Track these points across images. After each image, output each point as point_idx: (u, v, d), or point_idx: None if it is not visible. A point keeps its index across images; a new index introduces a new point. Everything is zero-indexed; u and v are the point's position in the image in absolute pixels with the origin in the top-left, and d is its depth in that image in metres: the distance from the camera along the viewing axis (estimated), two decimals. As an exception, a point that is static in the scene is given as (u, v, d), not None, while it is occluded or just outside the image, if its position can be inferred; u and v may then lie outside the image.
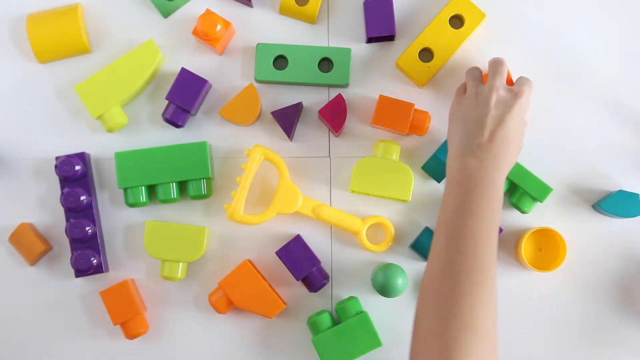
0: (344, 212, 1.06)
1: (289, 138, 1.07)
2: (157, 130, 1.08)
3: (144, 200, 1.06)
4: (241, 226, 1.06)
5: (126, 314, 1.04)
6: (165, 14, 1.09)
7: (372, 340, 1.03)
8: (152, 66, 1.06)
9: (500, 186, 0.91)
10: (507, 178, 1.03)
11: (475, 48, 1.08)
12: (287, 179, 1.05)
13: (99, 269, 1.05)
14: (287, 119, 1.06)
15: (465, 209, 0.88)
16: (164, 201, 1.06)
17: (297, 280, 1.04)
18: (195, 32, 1.05)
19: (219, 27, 1.03)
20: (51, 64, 1.09)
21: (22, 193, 1.08)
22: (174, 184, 1.05)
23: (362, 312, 1.04)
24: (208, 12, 1.04)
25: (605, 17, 1.09)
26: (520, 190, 1.05)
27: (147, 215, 1.08)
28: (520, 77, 0.99)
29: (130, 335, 1.04)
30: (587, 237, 1.07)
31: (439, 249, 0.88)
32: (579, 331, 1.07)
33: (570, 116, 1.08)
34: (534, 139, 1.06)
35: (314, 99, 1.08)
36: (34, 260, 1.06)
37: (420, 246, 1.05)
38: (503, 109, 0.93)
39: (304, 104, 1.08)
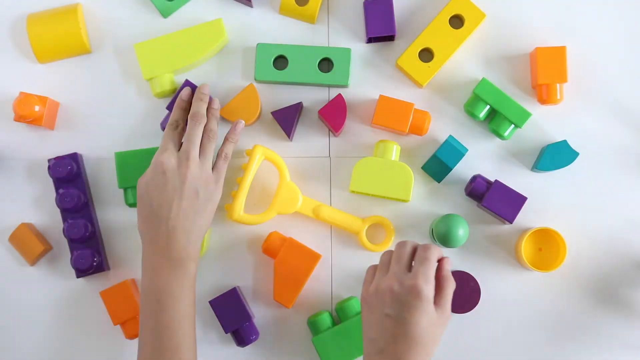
0: (344, 212, 1.06)
1: (289, 138, 1.07)
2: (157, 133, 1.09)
3: None
4: (241, 226, 1.06)
5: (126, 314, 1.04)
6: (165, 13, 1.09)
7: None
8: (215, 44, 1.06)
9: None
10: (487, 103, 1.04)
11: (475, 48, 1.08)
12: (287, 179, 1.05)
13: (99, 268, 1.05)
14: (287, 119, 1.06)
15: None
16: None
17: (226, 333, 1.04)
18: (17, 119, 1.04)
19: (37, 107, 1.03)
20: (51, 64, 1.09)
21: (22, 193, 1.08)
22: None
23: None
24: (22, 95, 1.04)
25: (607, 17, 1.09)
26: (500, 115, 1.05)
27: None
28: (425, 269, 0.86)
29: (130, 335, 1.04)
30: (587, 237, 1.07)
31: None
32: (579, 331, 1.07)
33: (570, 115, 1.08)
34: (535, 137, 1.06)
35: (314, 99, 1.08)
36: (34, 260, 1.06)
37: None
38: (400, 309, 0.83)
39: (304, 104, 1.08)
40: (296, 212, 1.05)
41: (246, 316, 1.03)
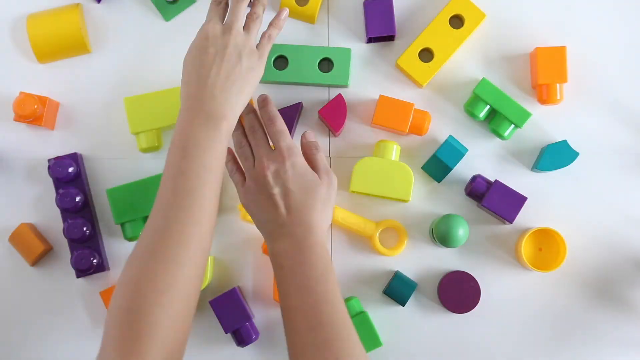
0: (357, 215, 1.06)
1: (289, 138, 1.07)
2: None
3: None
4: (241, 226, 1.07)
5: (126, 314, 1.04)
6: (167, 17, 1.10)
7: (372, 340, 1.02)
8: None
9: (321, 247, 0.91)
10: (487, 103, 1.04)
11: (475, 48, 1.09)
12: None
13: (99, 268, 1.05)
14: (287, 119, 1.06)
15: (300, 286, 0.89)
16: None
17: (226, 333, 1.04)
18: (17, 119, 1.05)
19: (36, 107, 1.04)
20: (51, 64, 1.09)
21: (22, 193, 1.08)
22: None
23: (362, 312, 1.03)
24: (22, 95, 1.04)
25: (607, 17, 1.09)
26: (500, 115, 1.04)
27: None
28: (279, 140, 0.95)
29: (130, 335, 1.04)
30: (587, 237, 1.07)
31: (293, 332, 0.88)
32: (579, 331, 1.07)
33: (570, 116, 1.08)
34: (534, 136, 1.06)
35: (314, 99, 1.08)
36: (34, 260, 1.06)
37: (393, 292, 1.05)
38: (282, 181, 0.92)
39: (304, 104, 1.08)
40: None
41: (246, 316, 1.03)
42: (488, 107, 1.05)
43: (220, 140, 0.91)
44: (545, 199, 1.07)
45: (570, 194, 1.07)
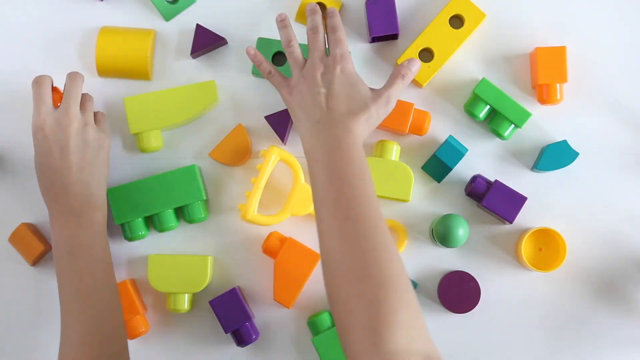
0: None
1: (283, 142, 1.07)
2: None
3: (143, 233, 1.05)
4: (241, 226, 1.07)
5: (126, 314, 1.04)
6: (167, 17, 1.10)
7: None
8: (205, 106, 1.06)
9: (359, 149, 0.92)
10: (487, 103, 1.04)
11: (475, 48, 1.09)
12: (301, 180, 1.05)
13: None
14: (281, 123, 1.05)
15: (336, 178, 0.90)
16: (163, 230, 1.05)
17: (226, 333, 1.04)
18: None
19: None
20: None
21: (22, 193, 1.08)
22: (170, 211, 1.05)
23: None
24: (53, 90, 1.00)
25: (607, 17, 1.09)
26: (500, 115, 1.05)
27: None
28: (333, 41, 0.99)
29: (130, 335, 1.04)
30: (587, 237, 1.07)
31: (327, 224, 0.88)
32: (580, 331, 1.07)
33: (570, 116, 1.08)
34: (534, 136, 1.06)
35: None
36: (34, 260, 1.06)
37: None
38: (329, 83, 0.95)
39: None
40: (309, 215, 1.04)
41: (246, 316, 1.03)
42: (488, 107, 1.05)
43: (98, 231, 0.97)
44: (546, 199, 1.07)
45: (570, 194, 1.07)
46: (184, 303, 1.05)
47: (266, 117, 1.06)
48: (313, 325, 1.04)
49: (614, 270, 1.07)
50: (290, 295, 1.04)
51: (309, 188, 1.04)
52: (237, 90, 1.09)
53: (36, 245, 1.05)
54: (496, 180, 1.04)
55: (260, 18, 1.09)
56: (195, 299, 1.07)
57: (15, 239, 1.06)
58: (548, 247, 1.05)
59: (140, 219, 1.05)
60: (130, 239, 1.05)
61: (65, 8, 1.09)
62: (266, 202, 1.06)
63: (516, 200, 1.04)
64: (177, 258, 1.05)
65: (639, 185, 1.07)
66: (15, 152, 1.08)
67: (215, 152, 1.07)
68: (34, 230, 1.06)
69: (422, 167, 1.07)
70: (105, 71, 1.07)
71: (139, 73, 1.07)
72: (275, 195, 1.07)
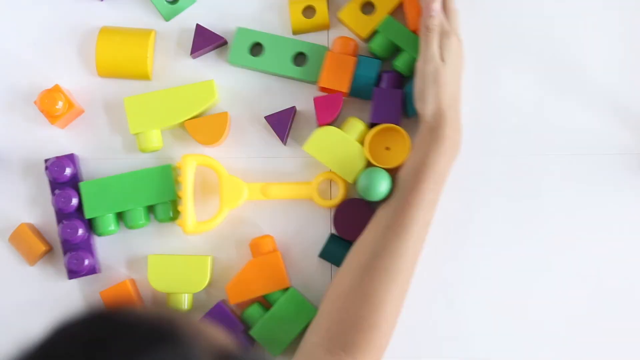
0: (291, 183, 1.06)
1: (283, 142, 1.07)
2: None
3: (113, 228, 1.05)
4: (237, 226, 1.07)
5: (126, 314, 1.04)
6: (167, 17, 1.10)
7: (307, 311, 1.02)
8: (205, 105, 1.06)
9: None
10: (391, 41, 1.05)
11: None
12: (225, 174, 1.04)
13: (92, 270, 1.05)
14: (281, 123, 1.05)
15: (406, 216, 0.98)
16: (132, 227, 1.05)
17: None
18: (38, 105, 1.04)
19: (59, 104, 1.03)
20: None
21: (22, 193, 1.08)
22: (140, 209, 1.05)
23: (288, 288, 1.04)
24: (55, 87, 1.03)
25: (607, 17, 1.09)
26: (405, 53, 1.05)
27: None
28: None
29: (130, 335, 1.04)
30: (587, 237, 1.07)
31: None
32: (578, 331, 1.06)
33: (570, 115, 1.08)
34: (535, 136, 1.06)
35: (306, 99, 1.08)
36: (34, 261, 1.06)
37: (328, 255, 1.05)
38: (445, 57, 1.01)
39: (297, 108, 1.08)
40: (248, 202, 1.04)
41: (237, 328, 1.03)
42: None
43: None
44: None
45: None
46: (184, 303, 1.05)
47: (266, 117, 1.06)
48: (247, 319, 1.04)
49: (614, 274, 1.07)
50: (240, 295, 1.04)
51: (235, 178, 1.04)
52: (237, 90, 1.09)
53: (37, 245, 1.05)
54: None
55: (261, 18, 1.09)
56: (195, 299, 1.07)
57: (15, 239, 1.06)
58: (395, 146, 1.04)
59: (110, 214, 1.05)
60: (99, 234, 1.05)
61: (65, 8, 1.09)
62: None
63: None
64: (177, 258, 1.05)
65: (639, 185, 1.07)
66: (15, 152, 1.08)
67: (190, 124, 1.06)
68: (34, 230, 1.06)
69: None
70: (105, 71, 1.07)
71: (139, 73, 1.07)
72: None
